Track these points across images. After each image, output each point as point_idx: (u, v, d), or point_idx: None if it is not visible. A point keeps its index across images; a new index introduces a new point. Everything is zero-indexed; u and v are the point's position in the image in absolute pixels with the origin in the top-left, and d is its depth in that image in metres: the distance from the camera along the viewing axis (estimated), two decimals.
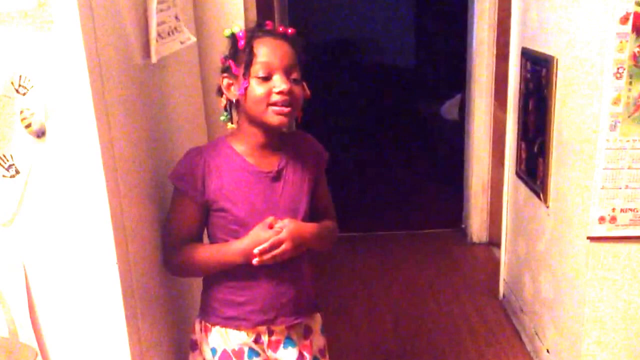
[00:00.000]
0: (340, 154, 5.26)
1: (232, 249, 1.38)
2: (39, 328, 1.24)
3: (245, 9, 1.88)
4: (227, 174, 1.38)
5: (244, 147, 1.40)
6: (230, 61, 1.35)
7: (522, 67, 2.50)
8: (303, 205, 1.44)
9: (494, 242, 3.46)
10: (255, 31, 1.35)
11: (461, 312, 2.86)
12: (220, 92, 1.41)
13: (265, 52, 1.32)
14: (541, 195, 2.28)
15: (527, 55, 2.44)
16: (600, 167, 1.83)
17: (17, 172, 1.15)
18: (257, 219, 1.37)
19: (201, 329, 1.48)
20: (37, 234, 1.19)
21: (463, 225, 3.72)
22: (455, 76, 4.27)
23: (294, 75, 1.35)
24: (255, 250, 1.34)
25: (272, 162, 1.41)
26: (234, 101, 1.37)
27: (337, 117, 5.62)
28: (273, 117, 1.34)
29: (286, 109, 1.33)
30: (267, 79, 1.32)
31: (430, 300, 2.97)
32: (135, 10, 1.38)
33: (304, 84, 1.38)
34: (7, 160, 1.15)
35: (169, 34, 1.50)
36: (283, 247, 1.35)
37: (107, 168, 1.17)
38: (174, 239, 1.42)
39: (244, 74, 1.32)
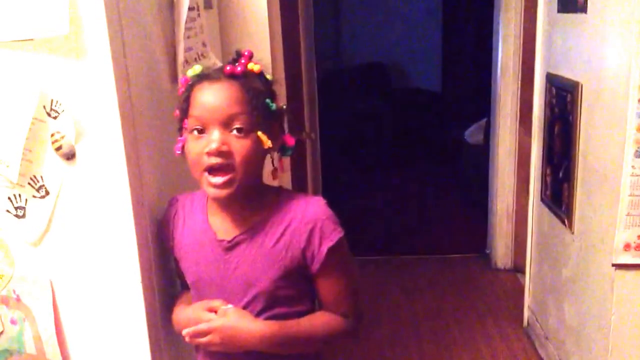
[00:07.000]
0: (365, 176, 5.26)
1: (179, 318, 1.27)
2: (65, 346, 1.26)
3: (271, 37, 1.91)
4: (186, 231, 1.24)
5: (214, 203, 1.20)
6: (177, 111, 1.17)
7: (547, 92, 2.49)
8: (263, 287, 1.17)
9: (518, 268, 3.41)
10: (202, 75, 1.14)
11: (485, 339, 2.81)
12: None
13: (200, 100, 1.10)
14: (566, 221, 2.25)
15: (552, 81, 2.43)
16: (626, 194, 1.81)
17: (47, 192, 1.19)
18: (207, 288, 1.22)
19: None
20: (64, 253, 1.22)
21: (487, 251, 3.68)
22: (480, 100, 4.27)
23: (237, 125, 1.09)
24: (184, 332, 1.19)
25: (233, 229, 1.18)
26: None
27: (362, 139, 5.63)
28: (208, 188, 1.12)
29: (222, 179, 1.09)
30: (202, 132, 1.10)
31: (453, 326, 2.93)
32: (164, 36, 1.42)
33: (259, 133, 1.11)
34: (38, 181, 1.18)
35: (195, 59, 1.53)
36: (209, 338, 1.17)
37: (134, 191, 1.20)
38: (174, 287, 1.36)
39: (178, 129, 1.16)
